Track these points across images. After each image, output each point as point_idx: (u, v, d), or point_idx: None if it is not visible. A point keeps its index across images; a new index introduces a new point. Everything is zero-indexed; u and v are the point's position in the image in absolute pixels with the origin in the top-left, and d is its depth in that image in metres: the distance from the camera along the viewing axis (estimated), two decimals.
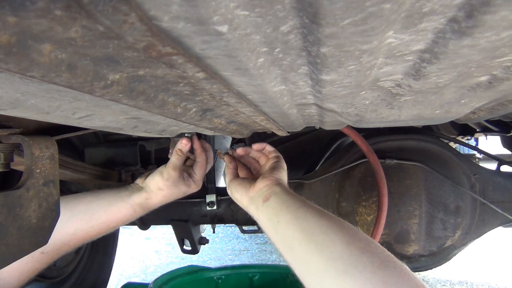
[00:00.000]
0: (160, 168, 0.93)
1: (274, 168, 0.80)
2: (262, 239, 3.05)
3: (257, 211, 0.73)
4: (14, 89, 0.31)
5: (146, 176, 0.95)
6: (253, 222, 1.29)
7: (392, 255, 0.56)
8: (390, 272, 0.52)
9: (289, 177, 1.26)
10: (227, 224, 1.63)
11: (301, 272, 0.61)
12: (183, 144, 0.90)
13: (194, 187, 0.97)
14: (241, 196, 0.78)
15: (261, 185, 0.74)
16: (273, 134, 0.83)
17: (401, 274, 0.52)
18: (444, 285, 2.21)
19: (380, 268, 0.53)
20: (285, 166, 0.83)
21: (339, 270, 0.54)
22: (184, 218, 1.27)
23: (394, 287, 0.50)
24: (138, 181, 0.96)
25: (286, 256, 0.65)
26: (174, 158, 0.90)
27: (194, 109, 0.45)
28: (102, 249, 1.62)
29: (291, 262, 0.64)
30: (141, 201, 0.91)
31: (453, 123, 1.56)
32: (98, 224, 0.86)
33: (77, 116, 0.43)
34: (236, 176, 0.85)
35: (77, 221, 0.83)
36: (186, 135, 0.92)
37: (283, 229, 0.65)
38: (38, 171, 0.53)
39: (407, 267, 0.54)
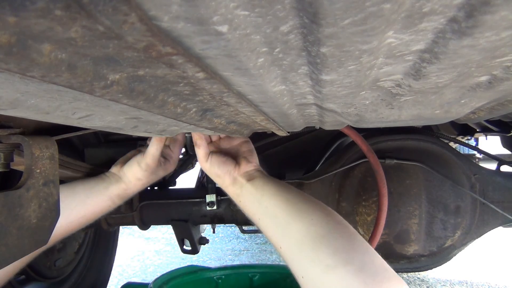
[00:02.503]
0: (137, 158, 0.90)
1: (251, 151, 0.85)
2: (262, 239, 3.05)
3: (241, 189, 0.79)
4: (14, 89, 0.31)
5: (122, 163, 0.92)
6: (253, 222, 1.28)
7: (353, 229, 0.66)
8: (357, 243, 0.62)
9: (289, 177, 1.27)
10: (227, 224, 1.63)
11: (282, 234, 0.68)
12: None
13: (171, 168, 0.95)
14: (225, 174, 0.81)
15: (246, 168, 0.81)
16: (273, 134, 0.83)
17: (364, 244, 0.62)
18: (444, 285, 2.21)
19: (350, 237, 0.62)
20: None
21: (318, 234, 0.63)
22: (184, 218, 1.27)
23: (360, 252, 0.59)
24: (114, 169, 0.92)
25: (269, 222, 0.72)
26: (153, 149, 0.87)
27: (194, 109, 0.45)
28: (102, 249, 1.62)
29: (272, 227, 0.71)
30: (120, 192, 0.89)
31: (453, 123, 1.56)
32: (77, 219, 0.85)
33: (77, 116, 0.43)
34: (211, 148, 0.85)
35: None
36: (186, 135, 0.92)
37: (267, 200, 0.73)
38: (38, 171, 0.53)
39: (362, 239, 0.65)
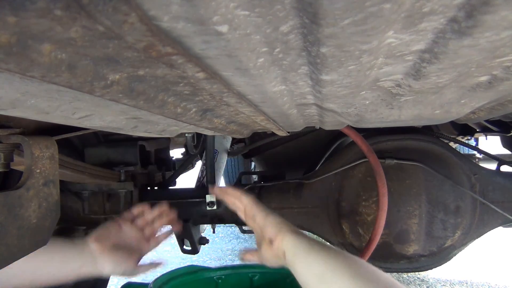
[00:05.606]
0: (121, 262, 0.95)
1: (266, 218, 0.86)
2: None
3: (285, 262, 0.83)
4: (14, 89, 0.31)
5: (100, 242, 0.93)
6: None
7: (396, 282, 0.64)
8: None
9: (289, 177, 1.26)
10: (227, 224, 1.63)
11: None
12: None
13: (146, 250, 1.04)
14: (272, 258, 0.86)
15: (275, 245, 0.83)
16: (273, 134, 0.83)
17: None
18: (444, 285, 2.21)
19: None
20: (261, 204, 0.90)
21: None
22: (184, 218, 1.27)
23: None
24: (92, 245, 0.93)
25: None
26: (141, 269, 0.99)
27: (194, 109, 0.46)
28: None
29: None
30: (92, 272, 0.92)
31: (453, 123, 1.56)
32: (40, 284, 0.87)
33: (77, 116, 0.43)
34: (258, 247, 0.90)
35: (22, 276, 0.83)
36: (186, 135, 0.92)
37: (299, 275, 0.77)
38: (38, 171, 0.53)
39: None
